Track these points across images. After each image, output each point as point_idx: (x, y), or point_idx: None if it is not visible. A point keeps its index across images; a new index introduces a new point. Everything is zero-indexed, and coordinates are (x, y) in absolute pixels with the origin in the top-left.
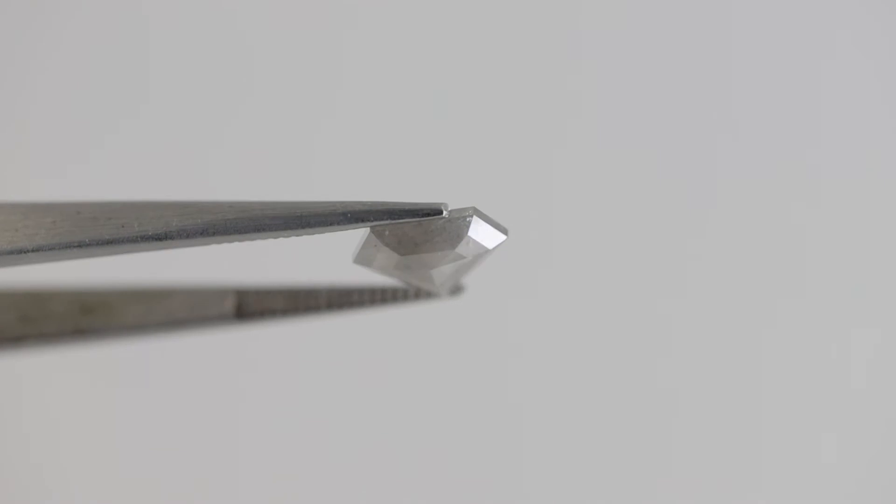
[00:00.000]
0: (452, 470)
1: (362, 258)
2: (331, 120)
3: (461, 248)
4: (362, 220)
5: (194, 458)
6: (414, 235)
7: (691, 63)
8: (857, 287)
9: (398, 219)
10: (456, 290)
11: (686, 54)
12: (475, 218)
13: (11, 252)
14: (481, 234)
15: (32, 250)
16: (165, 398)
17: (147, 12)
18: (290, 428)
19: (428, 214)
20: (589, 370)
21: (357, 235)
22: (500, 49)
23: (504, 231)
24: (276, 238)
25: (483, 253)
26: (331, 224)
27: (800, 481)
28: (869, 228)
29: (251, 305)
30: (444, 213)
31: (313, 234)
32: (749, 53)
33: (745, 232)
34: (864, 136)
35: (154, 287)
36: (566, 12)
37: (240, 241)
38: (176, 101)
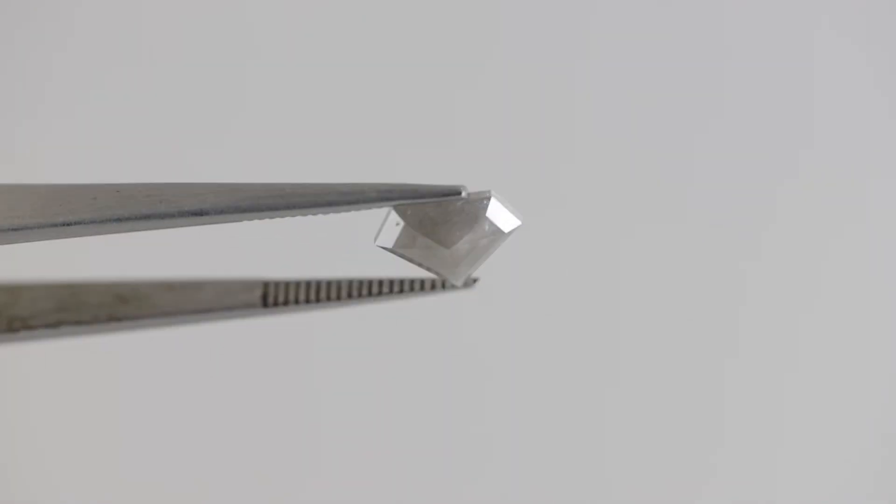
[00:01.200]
0: (460, 468)
1: (384, 238)
2: (342, 112)
3: (478, 229)
4: (386, 200)
5: (195, 461)
6: (434, 216)
7: (702, 60)
8: (868, 290)
9: (420, 198)
10: (469, 281)
11: (698, 52)
12: (492, 200)
13: (55, 225)
14: (497, 216)
15: (75, 223)
16: (166, 400)
17: (160, 9)
18: (293, 429)
19: (448, 195)
20: (593, 369)
21: (377, 222)
22: (514, 45)
23: (519, 217)
24: (304, 216)
25: (498, 237)
26: (357, 203)
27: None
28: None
29: (277, 296)
30: (463, 193)
31: (340, 212)
32: (761, 52)
33: (752, 231)
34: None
35: (185, 279)
36: (576, 12)
37: (271, 217)
38: (187, 91)
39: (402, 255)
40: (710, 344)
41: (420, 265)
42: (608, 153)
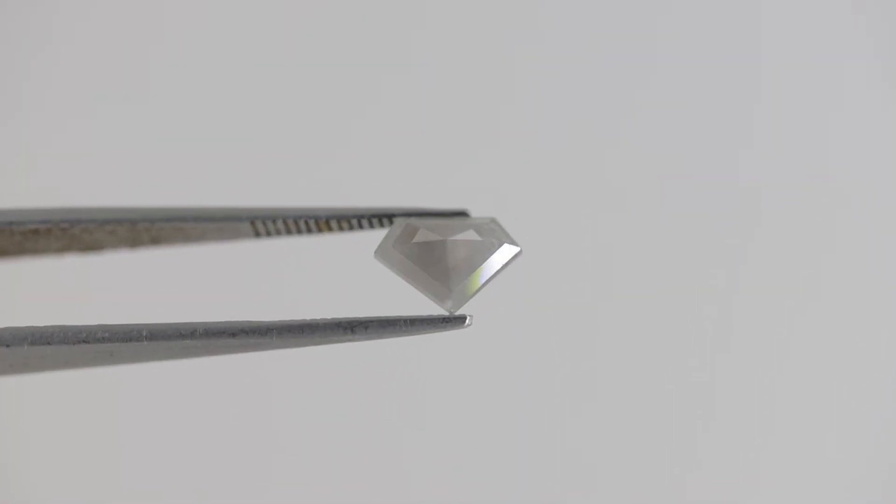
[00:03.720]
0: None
1: (385, 242)
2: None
3: (476, 243)
4: (392, 216)
5: (192, 465)
6: (437, 224)
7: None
8: (871, 288)
9: (425, 216)
10: (461, 319)
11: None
12: (493, 222)
13: None
14: (497, 237)
15: None
16: (166, 403)
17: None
18: (293, 436)
19: (453, 216)
20: (598, 375)
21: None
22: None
23: (518, 246)
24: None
25: (494, 251)
26: (366, 217)
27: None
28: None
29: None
30: (467, 215)
31: (351, 231)
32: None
33: (757, 232)
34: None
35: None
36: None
37: (285, 238)
38: (193, 100)
39: (398, 260)
40: (704, 346)
41: (414, 270)
42: (606, 153)
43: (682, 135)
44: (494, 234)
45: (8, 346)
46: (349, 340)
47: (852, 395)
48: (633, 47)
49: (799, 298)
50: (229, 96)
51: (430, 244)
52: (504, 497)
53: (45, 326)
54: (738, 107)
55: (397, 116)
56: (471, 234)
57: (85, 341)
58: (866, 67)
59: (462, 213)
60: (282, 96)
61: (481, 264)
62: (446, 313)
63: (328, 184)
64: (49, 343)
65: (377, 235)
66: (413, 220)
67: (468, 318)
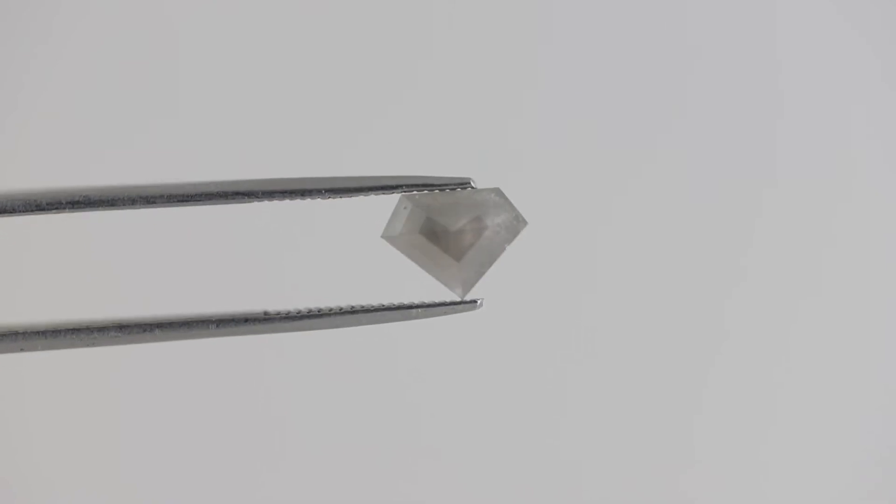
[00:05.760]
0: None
1: (392, 226)
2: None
3: (483, 219)
4: (399, 187)
5: (192, 464)
6: (442, 203)
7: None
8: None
9: (430, 187)
10: (472, 302)
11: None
12: (499, 193)
13: None
14: (502, 211)
15: None
16: (165, 402)
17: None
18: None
19: (457, 185)
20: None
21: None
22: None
23: (524, 220)
24: (324, 199)
25: (502, 231)
26: (372, 189)
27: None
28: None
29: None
30: (472, 184)
31: (355, 196)
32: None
33: (764, 232)
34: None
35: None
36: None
37: (299, 199)
38: (211, 92)
39: (406, 247)
40: (703, 344)
41: (422, 258)
42: (606, 148)
43: (684, 130)
44: (500, 212)
45: (22, 350)
46: (359, 324)
47: (851, 391)
48: (636, 47)
49: (799, 292)
50: (232, 91)
51: (437, 233)
52: (507, 481)
53: (57, 328)
54: (739, 105)
55: (401, 103)
56: (477, 219)
57: (96, 344)
58: (866, 67)
59: (466, 183)
60: (285, 91)
61: (488, 247)
62: (457, 297)
63: (331, 160)
64: (62, 344)
65: (384, 203)
66: (418, 200)
67: (479, 300)
